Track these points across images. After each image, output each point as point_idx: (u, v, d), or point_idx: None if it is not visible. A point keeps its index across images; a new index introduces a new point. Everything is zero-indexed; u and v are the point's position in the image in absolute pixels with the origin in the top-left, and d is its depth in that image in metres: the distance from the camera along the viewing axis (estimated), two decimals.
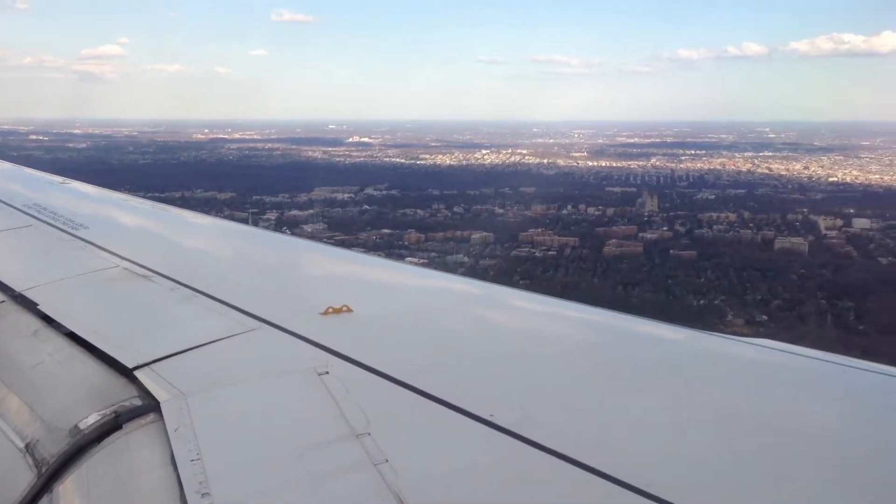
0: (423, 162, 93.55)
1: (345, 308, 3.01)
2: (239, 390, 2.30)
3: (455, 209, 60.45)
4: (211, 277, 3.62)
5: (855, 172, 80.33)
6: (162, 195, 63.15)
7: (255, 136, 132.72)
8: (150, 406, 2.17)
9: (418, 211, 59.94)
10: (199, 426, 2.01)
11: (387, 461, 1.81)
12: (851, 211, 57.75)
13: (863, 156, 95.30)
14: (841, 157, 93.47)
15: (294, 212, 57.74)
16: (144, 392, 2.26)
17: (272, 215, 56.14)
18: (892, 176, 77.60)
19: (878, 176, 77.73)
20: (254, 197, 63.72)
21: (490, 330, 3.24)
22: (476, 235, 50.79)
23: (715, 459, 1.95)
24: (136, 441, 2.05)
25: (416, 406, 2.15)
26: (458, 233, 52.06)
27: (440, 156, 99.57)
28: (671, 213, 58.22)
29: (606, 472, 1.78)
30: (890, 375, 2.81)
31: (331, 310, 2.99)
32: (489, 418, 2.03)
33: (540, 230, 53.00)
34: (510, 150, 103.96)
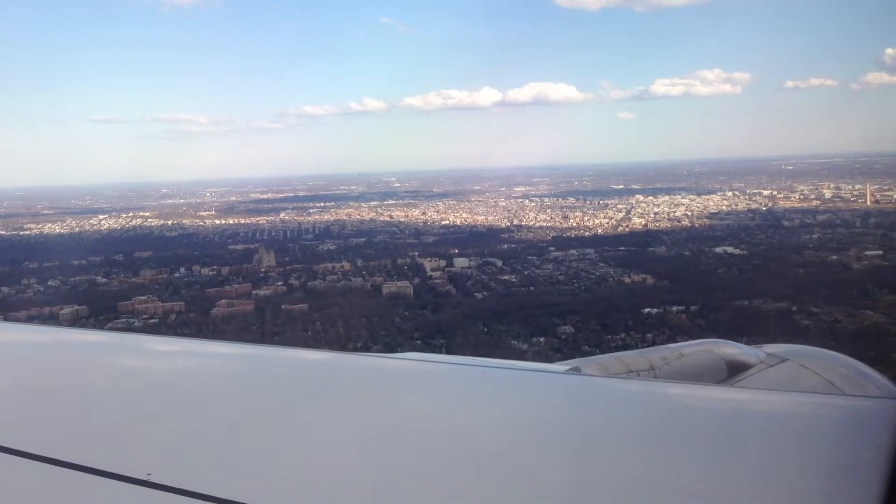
0: (26, 233, 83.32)
1: None
2: None
3: (50, 283, 53.86)
4: None
5: (465, 215, 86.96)
6: None
7: None
8: None
9: (3, 288, 52.49)
10: None
11: None
12: (456, 251, 61.78)
13: (473, 199, 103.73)
14: (454, 202, 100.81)
15: None
16: None
17: None
18: (494, 216, 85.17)
19: (483, 217, 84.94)
20: None
21: (131, 381, 3.16)
22: (66, 311, 45.39)
23: (386, 473, 2.06)
24: None
25: (60, 480, 2.01)
26: (47, 309, 46.18)
27: (49, 224, 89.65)
28: (288, 268, 57.52)
29: None
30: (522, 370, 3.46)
31: None
32: (147, 478, 1.96)
33: (145, 297, 49.10)
34: (132, 214, 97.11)
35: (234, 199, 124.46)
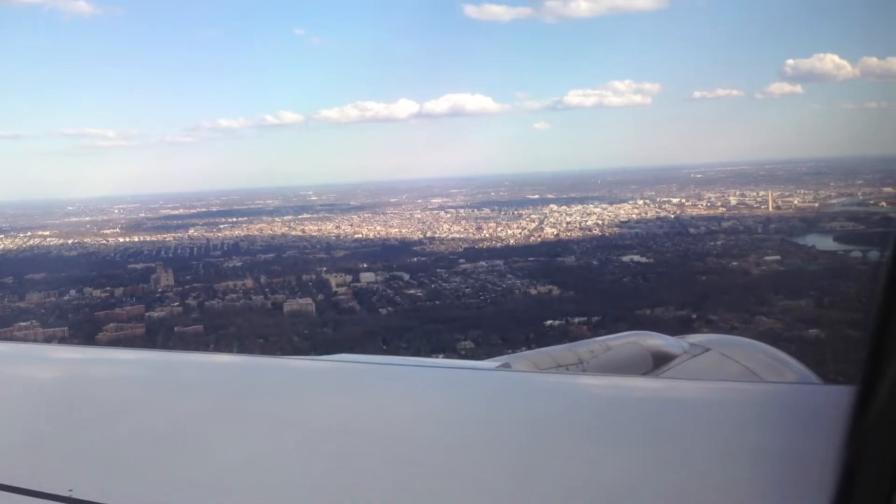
0: None
1: None
2: None
3: None
4: None
5: (379, 228, 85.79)
6: None
7: None
8: None
9: None
10: None
11: None
12: (365, 265, 60.48)
13: (388, 212, 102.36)
14: (370, 215, 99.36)
15: None
16: None
17: None
18: (409, 229, 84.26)
19: (397, 230, 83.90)
20: None
21: (41, 393, 2.99)
22: None
23: (322, 474, 2.08)
24: None
25: None
26: None
27: None
28: (188, 287, 55.25)
29: None
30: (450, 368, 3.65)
31: None
32: (69, 494, 1.95)
33: (28, 322, 46.35)
34: (30, 233, 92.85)
35: (143, 215, 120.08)
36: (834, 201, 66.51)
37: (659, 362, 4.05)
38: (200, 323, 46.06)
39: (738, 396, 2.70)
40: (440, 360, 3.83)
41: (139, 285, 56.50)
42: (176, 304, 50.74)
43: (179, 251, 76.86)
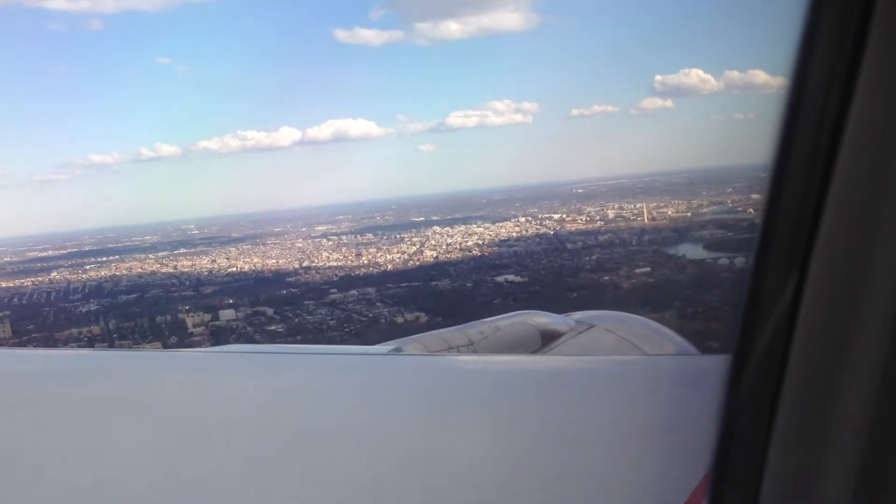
0: None
1: None
2: None
3: None
4: None
5: (256, 260, 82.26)
6: None
7: None
8: None
9: None
10: None
11: None
12: (231, 301, 57.18)
13: (269, 242, 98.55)
14: (249, 246, 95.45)
15: None
16: None
17: None
18: (286, 259, 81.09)
19: (274, 261, 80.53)
20: None
21: None
22: None
23: (212, 466, 2.05)
24: None
25: None
26: None
27: None
28: (25, 338, 50.80)
29: None
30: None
31: None
32: None
33: None
34: None
35: (6, 259, 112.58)
36: (705, 210, 67.04)
37: (547, 340, 4.09)
38: None
39: (621, 369, 2.72)
40: (332, 347, 3.60)
41: None
42: None
43: (35, 297, 71.39)
